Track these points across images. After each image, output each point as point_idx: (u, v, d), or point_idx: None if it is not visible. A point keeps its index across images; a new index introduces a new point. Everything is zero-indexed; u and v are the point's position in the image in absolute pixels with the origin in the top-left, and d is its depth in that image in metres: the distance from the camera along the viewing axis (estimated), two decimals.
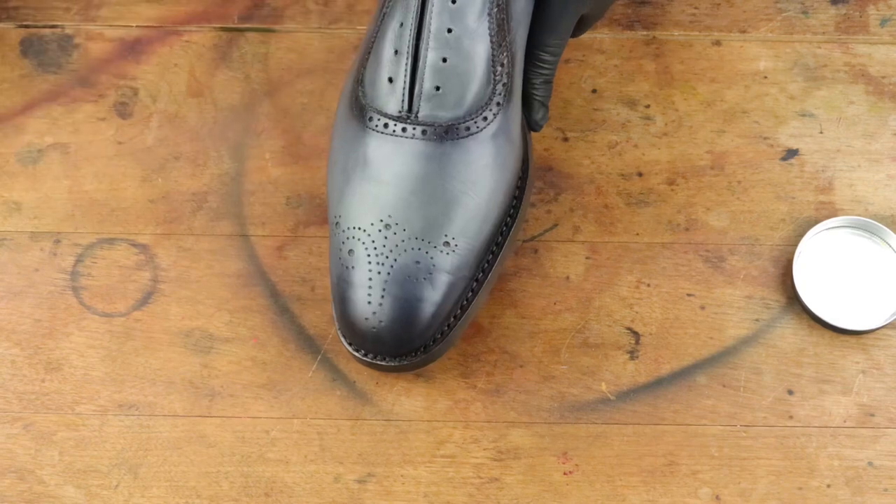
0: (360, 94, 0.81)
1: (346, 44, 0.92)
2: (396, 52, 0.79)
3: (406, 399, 0.84)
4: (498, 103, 0.80)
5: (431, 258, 0.79)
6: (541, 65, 0.83)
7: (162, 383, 0.85)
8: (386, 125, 0.80)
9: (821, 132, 0.90)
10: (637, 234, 0.88)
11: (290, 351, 0.85)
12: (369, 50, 0.82)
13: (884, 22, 0.92)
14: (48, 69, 0.92)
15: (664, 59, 0.91)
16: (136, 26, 0.93)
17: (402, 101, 0.79)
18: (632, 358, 0.85)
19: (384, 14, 0.80)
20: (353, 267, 0.80)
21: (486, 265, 0.82)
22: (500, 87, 0.80)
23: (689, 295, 0.86)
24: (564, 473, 0.83)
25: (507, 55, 0.80)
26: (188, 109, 0.91)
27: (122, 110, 0.91)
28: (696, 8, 0.93)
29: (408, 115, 0.79)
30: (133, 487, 0.83)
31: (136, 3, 0.94)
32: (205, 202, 0.89)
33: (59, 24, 0.93)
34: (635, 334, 0.85)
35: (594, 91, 0.91)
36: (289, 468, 0.83)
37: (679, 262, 0.87)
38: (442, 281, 0.79)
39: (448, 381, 0.85)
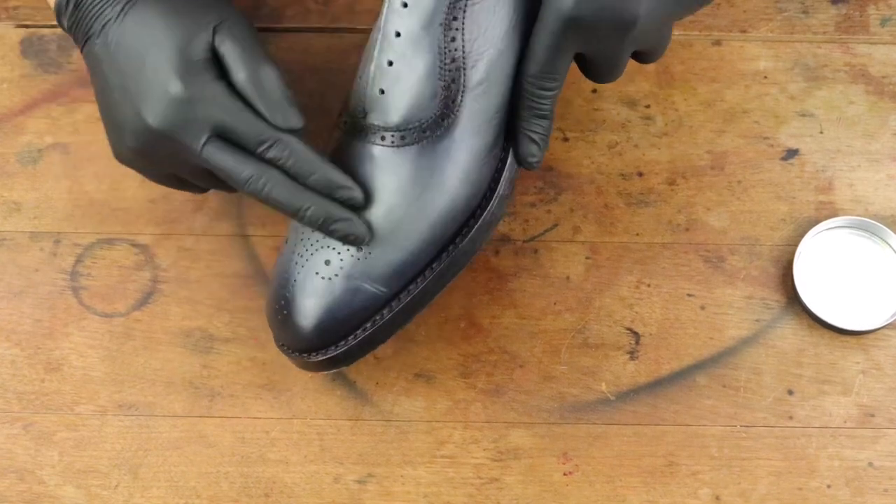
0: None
1: (346, 44, 0.92)
2: (367, 54, 0.79)
3: (406, 399, 0.84)
4: (441, 119, 0.78)
5: (342, 259, 0.78)
6: (529, 98, 0.78)
7: (162, 383, 0.85)
8: (345, 123, 0.80)
9: (821, 132, 0.90)
10: (637, 234, 0.87)
11: None
12: None
13: (884, 22, 0.92)
14: (48, 69, 0.92)
15: (664, 59, 0.91)
16: None
17: (361, 102, 0.79)
18: (632, 358, 0.85)
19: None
20: (281, 254, 0.81)
21: (413, 286, 0.79)
22: (447, 101, 0.78)
23: (689, 295, 0.86)
24: (564, 474, 0.83)
25: (460, 72, 0.78)
26: None
27: None
28: None
29: (363, 116, 0.79)
30: (133, 488, 0.83)
31: None
32: (205, 202, 0.89)
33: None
34: (635, 334, 0.85)
35: (594, 91, 0.91)
36: (289, 468, 0.83)
37: (679, 262, 0.87)
38: (345, 286, 0.78)
39: (448, 381, 0.85)
